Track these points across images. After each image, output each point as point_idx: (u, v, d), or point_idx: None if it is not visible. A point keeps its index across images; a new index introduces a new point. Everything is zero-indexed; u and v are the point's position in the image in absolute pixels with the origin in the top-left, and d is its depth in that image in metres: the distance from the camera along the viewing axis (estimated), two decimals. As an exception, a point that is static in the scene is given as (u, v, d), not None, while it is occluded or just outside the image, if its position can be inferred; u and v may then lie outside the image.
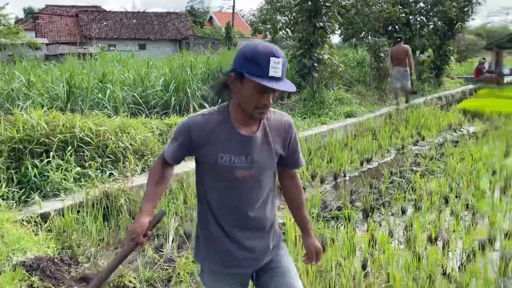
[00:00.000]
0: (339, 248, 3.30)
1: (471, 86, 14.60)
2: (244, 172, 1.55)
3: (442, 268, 3.05)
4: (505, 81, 15.75)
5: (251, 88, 1.42)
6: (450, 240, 3.52)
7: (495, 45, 16.57)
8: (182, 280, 2.89)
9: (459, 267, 3.14)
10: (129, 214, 3.80)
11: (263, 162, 1.58)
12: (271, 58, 1.38)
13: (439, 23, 13.57)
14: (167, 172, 1.66)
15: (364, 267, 3.13)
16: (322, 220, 3.93)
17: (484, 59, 17.31)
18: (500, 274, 2.99)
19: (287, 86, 1.41)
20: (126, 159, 4.53)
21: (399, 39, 10.03)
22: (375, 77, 11.49)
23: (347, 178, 5.49)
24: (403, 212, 4.24)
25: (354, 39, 16.07)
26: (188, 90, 7.69)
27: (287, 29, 15.23)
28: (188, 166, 4.76)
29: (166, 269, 3.08)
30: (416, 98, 10.82)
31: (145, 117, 5.98)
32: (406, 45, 10.07)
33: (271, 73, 1.38)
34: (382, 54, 11.28)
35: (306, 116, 7.99)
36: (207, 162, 1.57)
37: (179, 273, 2.94)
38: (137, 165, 4.53)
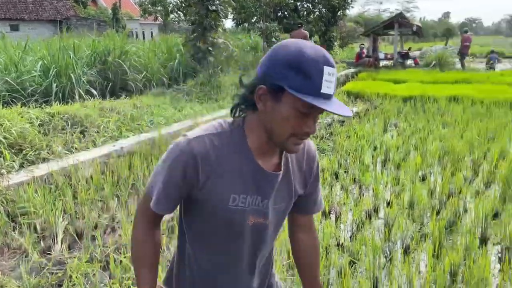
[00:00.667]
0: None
1: (352, 70, 15.87)
2: (257, 219, 1.14)
3: (336, 239, 3.27)
4: (380, 65, 17.44)
5: (292, 109, 0.99)
6: (342, 212, 3.79)
7: (372, 31, 18.22)
8: (75, 284, 2.64)
9: (350, 237, 3.40)
10: (7, 216, 3.35)
11: (280, 207, 1.18)
12: (324, 67, 0.96)
13: (324, 10, 14.45)
14: (157, 234, 1.18)
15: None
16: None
17: (363, 44, 18.92)
18: (385, 239, 3.31)
19: (344, 108, 1.01)
20: (0, 154, 3.97)
21: (300, 25, 11.03)
22: (268, 62, 11.82)
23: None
24: (300, 190, 4.44)
25: (246, 24, 16.32)
26: (72, 75, 7.03)
27: (179, 12, 14.79)
28: (77, 158, 4.36)
29: (56, 273, 2.79)
30: None
31: (21, 106, 5.31)
32: (305, 31, 11.10)
33: (324, 89, 0.97)
34: (274, 39, 11.63)
35: (203, 101, 7.90)
36: (209, 205, 1.10)
37: (71, 276, 2.69)
38: (14, 161, 4.01)
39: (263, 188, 1.11)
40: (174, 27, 27.69)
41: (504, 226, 3.14)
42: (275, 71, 0.99)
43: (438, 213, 3.70)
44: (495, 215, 3.59)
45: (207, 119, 6.78)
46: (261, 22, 12.29)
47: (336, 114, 0.98)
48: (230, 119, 1.13)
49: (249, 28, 14.66)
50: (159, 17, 16.52)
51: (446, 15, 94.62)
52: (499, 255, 3.03)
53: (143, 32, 35.12)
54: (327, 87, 0.97)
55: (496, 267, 2.92)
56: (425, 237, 3.32)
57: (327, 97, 0.98)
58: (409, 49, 19.79)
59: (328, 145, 6.04)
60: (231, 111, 1.11)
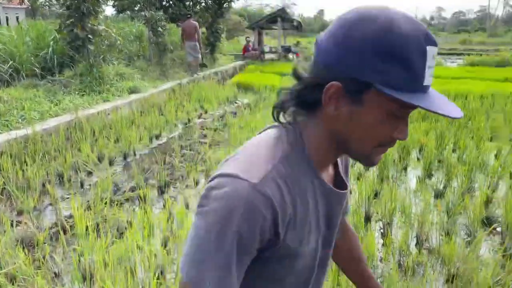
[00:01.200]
0: (138, 231, 3.13)
1: (240, 62, 16.19)
2: (324, 251, 0.86)
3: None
4: (266, 57, 18.10)
5: (383, 112, 0.69)
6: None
7: (257, 25, 18.76)
8: None
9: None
10: None
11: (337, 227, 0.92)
12: (428, 48, 0.66)
13: (209, 1, 14.38)
14: None
15: (165, 245, 3.07)
16: (116, 204, 3.66)
17: (249, 37, 19.39)
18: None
19: (452, 106, 0.70)
20: None
21: (189, 16, 11.16)
22: (155, 52, 11.36)
23: (137, 156, 5.27)
24: (197, 183, 4.36)
25: (129, 12, 15.47)
26: None
27: (50, -5, 13.33)
28: None
29: None
30: (205, 70, 11.70)
31: None
32: (195, 22, 11.14)
33: (427, 80, 0.67)
34: (160, 29, 11.20)
35: (84, 93, 7.25)
36: (280, 258, 0.77)
37: None
38: None
39: (333, 214, 0.84)
40: (44, 12, 25.01)
41: (384, 204, 3.48)
42: (357, 60, 0.66)
43: (327, 196, 3.95)
44: (376, 195, 3.97)
45: (91, 113, 6.25)
46: (145, 10, 11.72)
47: (450, 117, 0.67)
48: (281, 130, 0.77)
49: (133, 16, 13.90)
50: (26, 0, 14.65)
51: (321, 12, 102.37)
52: (381, 230, 3.35)
53: (6, 17, 30.94)
54: (429, 75, 0.67)
55: (380, 242, 3.23)
56: (318, 220, 3.52)
57: (427, 89, 0.69)
58: (298, 42, 20.90)
59: (223, 137, 6.05)
60: (273, 113, 0.78)
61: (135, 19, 13.40)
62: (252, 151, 0.74)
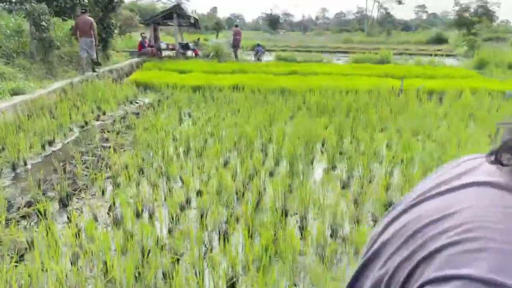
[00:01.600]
0: (43, 250, 2.80)
1: (136, 59, 15.46)
2: None
3: (154, 239, 3.12)
4: (163, 55, 17.55)
5: None
6: (154, 209, 3.64)
7: (152, 21, 18.08)
8: None
9: (169, 233, 3.30)
10: None
11: None
12: None
13: (99, -6, 13.44)
14: None
15: (76, 263, 2.80)
16: (13, 223, 3.22)
17: (144, 33, 18.59)
18: (202, 229, 3.35)
19: None
20: None
21: (84, 11, 10.79)
22: (39, 49, 10.25)
23: (29, 166, 4.71)
24: (104, 192, 4.05)
25: (2, 3, 13.69)
26: None
27: None
28: None
29: None
30: (100, 69, 11.20)
31: None
32: (90, 18, 10.82)
33: None
34: (44, 23, 10.13)
35: (-45, 96, 6.25)
36: None
37: None
38: None
39: None
40: None
41: (301, 199, 3.62)
42: None
43: (243, 195, 3.98)
44: (289, 190, 4.11)
45: (-35, 119, 5.41)
46: (25, 2, 10.49)
47: None
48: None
49: (10, 9, 12.35)
50: None
51: (214, 10, 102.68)
52: (298, 224, 3.48)
53: None
54: None
55: (298, 235, 3.35)
56: (237, 219, 3.52)
57: None
58: (198, 39, 20.63)
59: (127, 140, 5.71)
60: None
61: (12, 12, 11.93)
62: (501, 236, 0.48)
